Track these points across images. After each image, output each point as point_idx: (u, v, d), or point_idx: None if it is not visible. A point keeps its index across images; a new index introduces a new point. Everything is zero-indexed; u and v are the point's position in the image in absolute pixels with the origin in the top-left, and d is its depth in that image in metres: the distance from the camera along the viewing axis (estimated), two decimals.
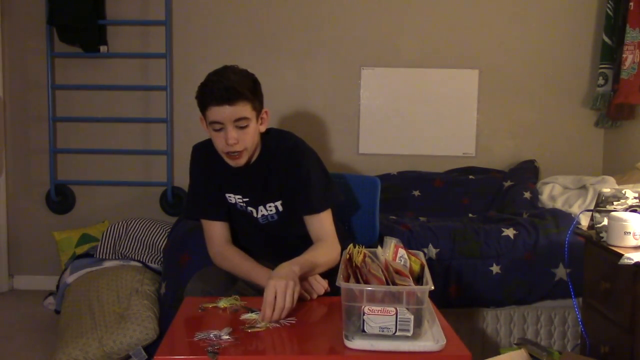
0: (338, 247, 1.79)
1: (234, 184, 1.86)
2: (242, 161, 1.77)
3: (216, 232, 1.88)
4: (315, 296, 1.63)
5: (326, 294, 1.66)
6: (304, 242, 1.80)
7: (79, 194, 3.65)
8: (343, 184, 2.26)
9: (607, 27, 3.30)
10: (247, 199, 1.86)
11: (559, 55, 3.52)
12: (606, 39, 3.31)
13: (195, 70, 3.55)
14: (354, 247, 1.47)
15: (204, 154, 1.89)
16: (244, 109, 1.69)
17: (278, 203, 1.85)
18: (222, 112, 1.68)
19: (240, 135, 1.71)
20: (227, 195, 1.88)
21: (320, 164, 1.88)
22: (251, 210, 1.87)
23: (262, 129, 1.81)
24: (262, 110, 1.79)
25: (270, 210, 1.86)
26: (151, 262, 2.95)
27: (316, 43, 3.54)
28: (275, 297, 1.44)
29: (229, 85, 1.67)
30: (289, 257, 1.63)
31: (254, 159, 1.83)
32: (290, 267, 1.55)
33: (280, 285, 1.45)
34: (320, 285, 1.65)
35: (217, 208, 1.88)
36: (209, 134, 1.79)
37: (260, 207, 1.86)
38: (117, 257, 2.99)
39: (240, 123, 1.70)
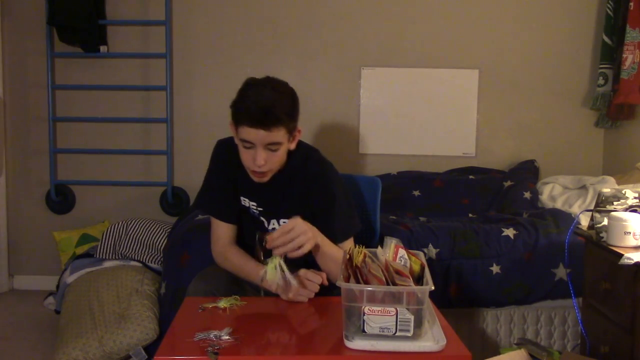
0: None
1: (252, 190, 1.83)
2: (265, 179, 1.73)
3: (223, 232, 1.86)
4: (312, 295, 1.62)
5: (326, 292, 1.66)
6: (312, 255, 1.78)
7: (79, 194, 3.65)
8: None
9: (607, 27, 3.30)
10: (262, 209, 1.83)
11: (559, 55, 3.52)
12: (606, 39, 3.31)
13: (195, 70, 3.57)
14: (354, 247, 1.47)
15: (226, 153, 1.84)
16: (278, 134, 1.63)
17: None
18: (255, 134, 1.61)
19: (269, 157, 1.66)
20: (241, 198, 1.86)
21: (345, 190, 1.84)
22: (263, 220, 1.85)
23: (292, 146, 1.76)
24: (296, 130, 1.74)
25: None
26: (151, 262, 2.95)
27: (316, 43, 3.55)
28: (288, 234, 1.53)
29: (267, 107, 1.59)
30: (295, 265, 1.64)
31: (274, 176, 1.80)
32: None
33: (304, 230, 1.55)
34: (313, 283, 1.61)
35: (229, 209, 1.86)
36: (236, 140, 1.73)
37: (274, 221, 1.84)
38: (117, 257, 2.99)
39: (271, 147, 1.65)
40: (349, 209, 1.83)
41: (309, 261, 1.73)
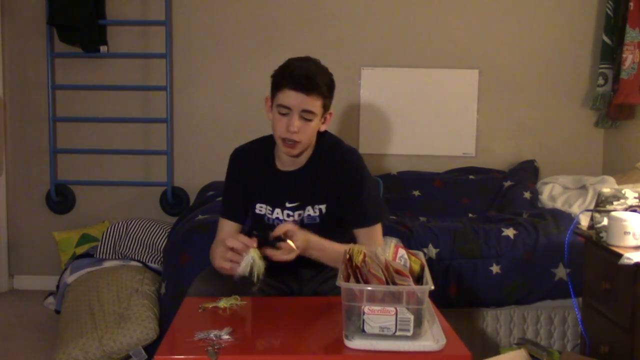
0: None
1: (280, 186, 1.81)
2: (295, 152, 1.74)
3: (223, 231, 1.86)
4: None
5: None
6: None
7: (79, 194, 3.65)
8: None
9: (607, 27, 3.30)
10: (297, 203, 1.81)
11: (559, 55, 3.52)
12: (606, 39, 3.31)
13: (195, 70, 3.56)
14: (354, 247, 1.47)
15: (242, 160, 1.86)
16: (315, 103, 1.69)
17: (323, 206, 1.82)
18: (295, 98, 1.66)
19: (302, 126, 1.69)
20: (257, 205, 1.85)
21: (372, 179, 1.86)
22: (300, 213, 1.83)
23: (322, 128, 1.80)
24: (328, 111, 1.78)
25: (315, 212, 1.82)
26: (151, 262, 2.95)
27: (316, 43, 3.54)
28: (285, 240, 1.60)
29: (311, 75, 1.66)
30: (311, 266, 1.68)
31: (304, 162, 1.81)
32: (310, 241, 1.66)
33: (299, 246, 1.61)
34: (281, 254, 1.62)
35: (234, 212, 1.87)
36: (268, 117, 1.76)
37: (308, 207, 1.82)
38: (117, 257, 2.99)
39: (306, 115, 1.69)
40: (377, 195, 1.86)
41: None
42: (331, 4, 3.54)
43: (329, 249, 1.73)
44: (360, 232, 1.81)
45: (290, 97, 1.67)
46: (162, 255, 2.94)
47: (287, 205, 1.82)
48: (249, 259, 1.55)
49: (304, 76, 1.65)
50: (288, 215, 1.82)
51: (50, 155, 3.56)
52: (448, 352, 1.26)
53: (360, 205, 1.80)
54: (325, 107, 1.75)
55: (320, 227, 1.82)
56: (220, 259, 1.61)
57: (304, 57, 1.75)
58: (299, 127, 1.68)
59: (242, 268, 1.56)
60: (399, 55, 3.55)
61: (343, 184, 1.79)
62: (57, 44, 3.52)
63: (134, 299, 2.53)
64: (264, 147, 1.86)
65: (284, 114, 1.70)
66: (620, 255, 1.79)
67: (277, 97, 1.70)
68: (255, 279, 1.56)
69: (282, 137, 1.71)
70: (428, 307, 1.38)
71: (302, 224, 1.81)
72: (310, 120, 1.70)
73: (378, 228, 1.83)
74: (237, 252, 1.58)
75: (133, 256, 2.99)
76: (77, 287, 2.74)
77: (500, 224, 2.66)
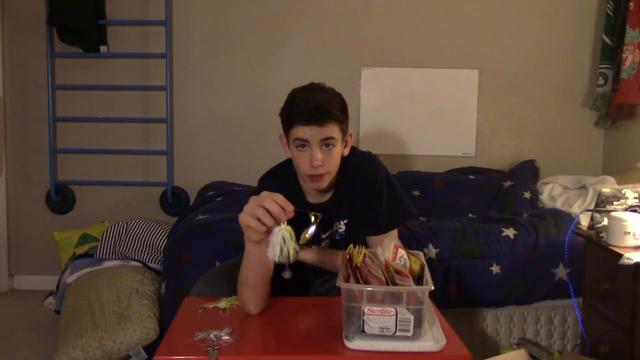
0: None
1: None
2: (324, 184, 1.66)
3: None
4: None
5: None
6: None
7: (79, 194, 3.65)
8: None
9: (607, 27, 3.31)
10: (332, 230, 1.79)
11: (559, 55, 3.53)
12: (606, 39, 3.31)
13: (195, 70, 3.56)
14: (354, 247, 1.47)
15: (270, 189, 1.76)
16: (332, 130, 1.59)
17: (346, 219, 1.78)
18: (310, 132, 1.58)
19: (325, 157, 1.60)
20: None
21: (391, 179, 1.79)
22: (329, 232, 1.79)
23: (346, 152, 1.71)
24: (347, 133, 1.70)
25: (341, 228, 1.79)
26: (151, 262, 2.95)
27: (316, 43, 3.55)
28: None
29: (319, 104, 1.57)
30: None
31: (332, 188, 1.73)
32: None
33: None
34: None
35: None
36: (287, 154, 1.70)
37: (336, 223, 1.79)
38: (117, 257, 2.99)
39: (327, 142, 1.60)
40: (400, 195, 1.79)
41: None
42: (331, 4, 3.54)
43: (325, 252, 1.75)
44: (378, 239, 1.74)
45: (305, 132, 1.58)
46: (162, 255, 2.94)
47: (323, 237, 1.78)
48: (278, 239, 1.40)
49: (313, 108, 1.56)
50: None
51: (50, 155, 3.56)
52: (448, 352, 1.26)
53: (381, 211, 1.74)
54: (344, 131, 1.65)
55: (345, 238, 1.79)
56: (247, 215, 1.41)
57: (307, 85, 1.66)
58: (322, 160, 1.59)
59: (272, 250, 1.40)
60: (399, 55, 3.55)
61: (363, 192, 1.74)
62: (57, 44, 3.52)
63: (134, 299, 2.53)
64: (291, 180, 1.76)
65: (302, 147, 1.61)
66: (620, 255, 1.79)
67: (291, 133, 1.62)
68: (284, 260, 1.42)
69: (308, 173, 1.63)
70: (428, 307, 1.38)
71: (332, 239, 1.79)
72: (333, 145, 1.61)
73: (394, 233, 1.78)
74: (271, 215, 1.40)
75: (133, 256, 2.99)
76: (77, 287, 2.74)
77: (500, 224, 2.66)
